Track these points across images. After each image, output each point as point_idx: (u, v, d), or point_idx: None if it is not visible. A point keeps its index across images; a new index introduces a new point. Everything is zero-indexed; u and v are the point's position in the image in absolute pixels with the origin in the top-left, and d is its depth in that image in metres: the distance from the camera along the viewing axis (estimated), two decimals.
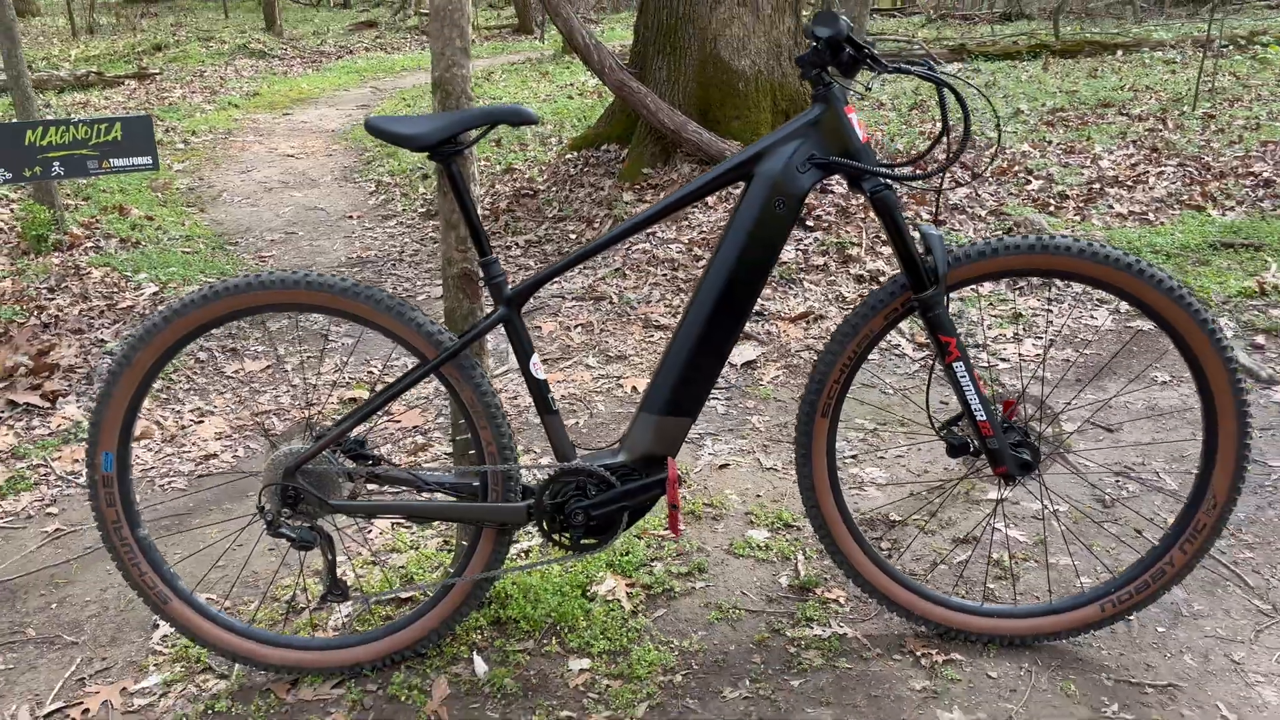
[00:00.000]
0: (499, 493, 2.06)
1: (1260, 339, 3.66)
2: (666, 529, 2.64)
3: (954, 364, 1.95)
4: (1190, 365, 1.96)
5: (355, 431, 2.10)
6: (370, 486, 2.12)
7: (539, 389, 2.03)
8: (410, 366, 2.59)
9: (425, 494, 2.11)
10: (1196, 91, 7.46)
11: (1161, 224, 4.76)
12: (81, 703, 2.14)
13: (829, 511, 2.12)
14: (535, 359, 2.02)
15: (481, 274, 2.01)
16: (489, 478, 2.06)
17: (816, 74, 1.87)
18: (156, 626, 2.38)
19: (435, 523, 2.69)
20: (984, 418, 1.96)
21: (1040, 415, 2.04)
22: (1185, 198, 5.11)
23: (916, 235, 1.93)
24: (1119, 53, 10.96)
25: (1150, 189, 5.26)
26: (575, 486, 2.02)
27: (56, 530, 2.83)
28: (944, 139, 1.92)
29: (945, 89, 1.86)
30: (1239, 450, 1.97)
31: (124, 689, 2.17)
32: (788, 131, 1.91)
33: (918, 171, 1.93)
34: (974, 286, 3.99)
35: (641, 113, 5.20)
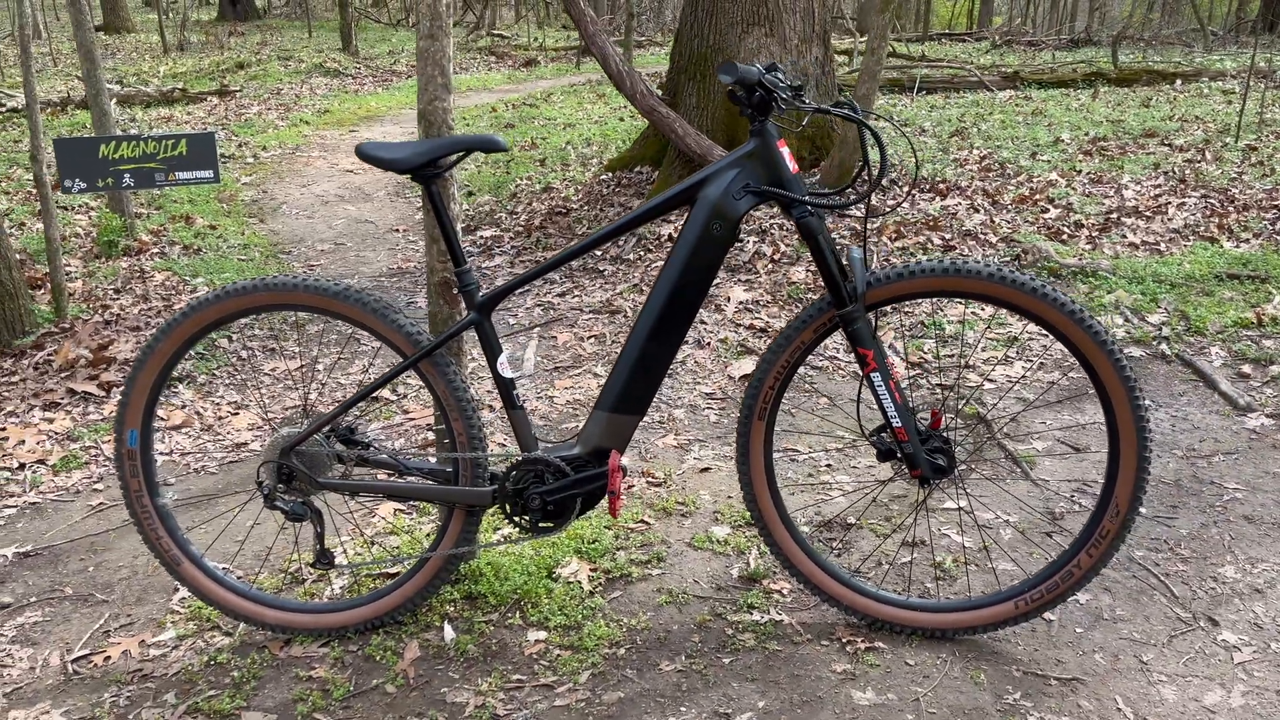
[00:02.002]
0: (468, 478, 2.31)
1: (1247, 368, 3.76)
2: (638, 523, 2.87)
3: (872, 375, 2.15)
4: (1093, 383, 2.13)
5: (348, 420, 2.38)
6: (359, 469, 2.39)
7: (505, 386, 2.28)
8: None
9: (406, 477, 2.38)
10: (1239, 123, 7.46)
11: (1171, 254, 4.85)
12: (105, 651, 2.44)
13: (765, 506, 2.33)
14: (502, 359, 2.27)
15: (457, 282, 2.27)
16: (460, 464, 2.31)
17: (751, 112, 2.09)
18: (176, 590, 2.68)
19: (417, 503, 2.96)
20: (899, 424, 2.16)
21: (954, 424, 2.23)
22: (1202, 229, 5.18)
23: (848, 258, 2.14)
24: (1178, 82, 10.90)
25: (1168, 220, 5.34)
26: (534, 474, 2.27)
27: (100, 504, 3.17)
28: (865, 172, 2.13)
29: (865, 129, 2.07)
30: (1139, 463, 2.13)
31: (142, 641, 2.47)
32: (727, 162, 2.14)
33: (838, 200, 2.14)
34: (969, 308, 4.15)
35: (671, 137, 5.45)
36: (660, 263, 5.03)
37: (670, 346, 2.20)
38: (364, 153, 2.20)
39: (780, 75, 2.08)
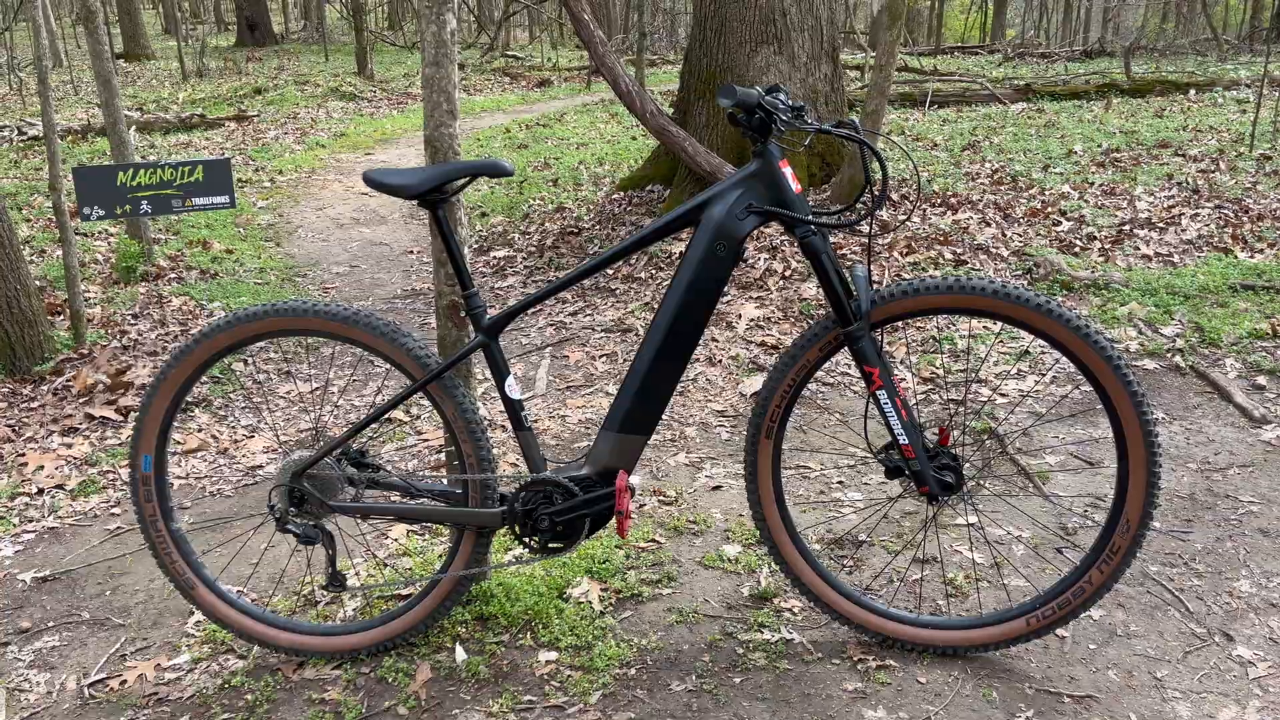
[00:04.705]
0: (478, 499, 2.32)
1: (1262, 379, 3.73)
2: (649, 542, 2.88)
3: (878, 392, 2.15)
4: (1101, 399, 2.12)
5: (359, 443, 2.40)
6: (370, 491, 2.41)
7: (513, 408, 2.29)
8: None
9: (416, 499, 2.40)
10: (1253, 132, 7.43)
11: (1185, 265, 4.82)
12: (121, 675, 2.46)
13: (774, 523, 2.33)
14: (510, 380, 2.28)
15: (464, 305, 2.29)
16: (469, 485, 2.33)
17: (752, 134, 2.11)
18: (191, 613, 2.70)
19: (429, 524, 2.98)
20: (906, 441, 2.16)
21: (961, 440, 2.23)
22: (1215, 240, 5.16)
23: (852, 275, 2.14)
24: (1192, 92, 10.87)
25: (1182, 231, 5.31)
26: (543, 495, 2.28)
27: (117, 528, 3.20)
28: (868, 190, 2.14)
29: (866, 147, 2.08)
30: (1149, 479, 2.11)
31: (158, 665, 2.49)
32: (730, 183, 2.15)
33: (842, 219, 2.15)
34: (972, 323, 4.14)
35: (681, 156, 5.47)
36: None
37: (677, 366, 2.20)
38: (371, 179, 2.23)
39: (781, 97, 2.10)
